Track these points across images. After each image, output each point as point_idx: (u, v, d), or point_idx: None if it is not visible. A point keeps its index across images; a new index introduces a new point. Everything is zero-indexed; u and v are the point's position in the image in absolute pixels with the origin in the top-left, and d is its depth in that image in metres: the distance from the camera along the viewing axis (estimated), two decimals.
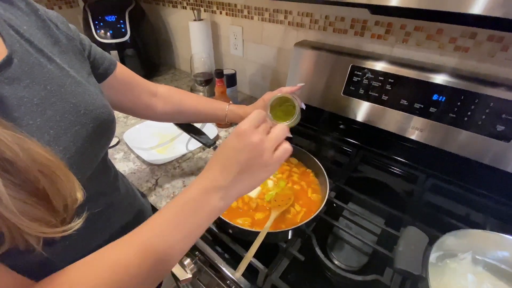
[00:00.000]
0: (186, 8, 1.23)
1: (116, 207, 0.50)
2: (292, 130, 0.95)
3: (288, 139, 0.39)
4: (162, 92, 0.63)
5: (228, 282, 0.55)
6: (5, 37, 0.32)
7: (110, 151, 0.86)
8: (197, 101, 0.66)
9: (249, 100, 1.17)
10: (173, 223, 0.34)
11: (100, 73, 0.49)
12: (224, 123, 0.70)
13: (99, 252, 0.32)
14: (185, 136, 0.86)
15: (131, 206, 0.55)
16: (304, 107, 0.58)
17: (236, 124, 0.85)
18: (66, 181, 0.30)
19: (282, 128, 0.38)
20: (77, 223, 0.31)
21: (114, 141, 0.90)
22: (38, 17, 0.38)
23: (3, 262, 0.29)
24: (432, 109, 0.65)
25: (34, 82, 0.33)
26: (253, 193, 0.62)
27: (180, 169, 0.79)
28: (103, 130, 0.41)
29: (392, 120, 0.72)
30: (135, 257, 0.31)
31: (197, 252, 0.60)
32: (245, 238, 0.54)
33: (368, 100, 0.74)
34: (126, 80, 0.56)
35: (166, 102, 0.63)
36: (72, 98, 0.36)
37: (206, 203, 0.35)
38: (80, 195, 0.32)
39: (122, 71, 0.54)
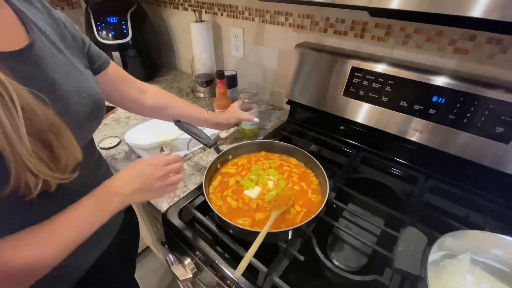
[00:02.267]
0: (187, 10, 1.24)
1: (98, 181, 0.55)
2: (292, 130, 0.96)
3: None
4: (153, 90, 0.74)
5: (228, 282, 0.55)
6: (28, 29, 0.40)
7: (111, 151, 0.87)
8: (182, 102, 0.79)
9: None
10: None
11: (95, 68, 0.58)
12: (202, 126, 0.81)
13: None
14: (186, 136, 0.86)
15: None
16: (257, 120, 0.85)
17: (236, 125, 0.87)
18: (69, 141, 0.39)
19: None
20: (73, 176, 0.40)
21: (115, 141, 0.90)
22: (50, 16, 0.47)
23: None
24: (431, 111, 0.66)
25: (47, 67, 0.41)
26: (254, 194, 0.62)
27: None
28: (97, 113, 0.49)
29: (392, 121, 0.73)
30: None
31: (197, 252, 0.60)
32: (245, 238, 0.55)
33: (368, 101, 0.75)
34: (118, 77, 0.65)
35: (155, 98, 0.73)
36: (76, 83, 0.44)
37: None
38: (80, 155, 0.41)
39: (114, 69, 0.63)
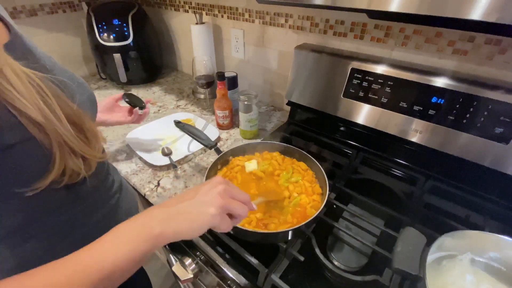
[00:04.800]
0: (188, 12, 1.25)
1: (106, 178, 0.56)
2: (292, 131, 0.96)
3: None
4: None
5: (228, 282, 0.55)
6: (6, 23, 0.39)
7: (113, 152, 0.87)
8: None
9: None
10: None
11: None
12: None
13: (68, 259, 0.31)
14: (187, 138, 0.87)
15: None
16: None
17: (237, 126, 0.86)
18: (90, 124, 0.41)
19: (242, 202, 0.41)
20: (107, 156, 0.46)
21: (117, 142, 0.91)
22: None
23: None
24: (431, 112, 0.66)
25: (34, 59, 0.40)
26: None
27: (182, 170, 0.80)
28: (93, 100, 0.50)
29: (392, 122, 0.73)
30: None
31: (198, 253, 0.61)
32: (245, 238, 0.55)
33: (368, 102, 0.75)
34: None
35: None
36: (65, 73, 0.44)
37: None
38: (102, 136, 0.45)
39: None
